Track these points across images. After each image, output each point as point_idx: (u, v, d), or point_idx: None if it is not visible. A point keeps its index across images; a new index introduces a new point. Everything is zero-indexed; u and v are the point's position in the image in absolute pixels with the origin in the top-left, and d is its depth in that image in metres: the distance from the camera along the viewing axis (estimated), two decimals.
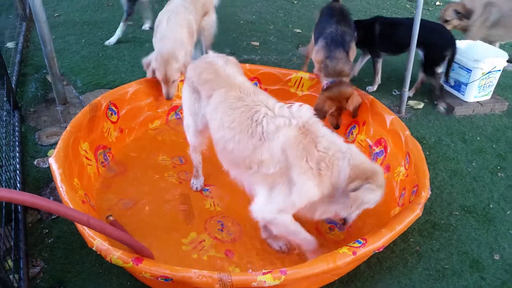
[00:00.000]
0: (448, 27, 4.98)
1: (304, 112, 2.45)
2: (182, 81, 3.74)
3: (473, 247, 2.99)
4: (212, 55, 2.98)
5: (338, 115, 3.79)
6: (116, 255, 2.17)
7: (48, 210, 1.65)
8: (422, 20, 4.07)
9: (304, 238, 2.59)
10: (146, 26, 6.05)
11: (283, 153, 2.34)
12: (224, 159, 2.72)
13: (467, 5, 5.08)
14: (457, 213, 3.26)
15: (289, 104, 2.51)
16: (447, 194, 3.45)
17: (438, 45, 4.30)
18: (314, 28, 4.38)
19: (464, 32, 5.27)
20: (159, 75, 3.72)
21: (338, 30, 3.90)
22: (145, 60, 3.78)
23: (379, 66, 4.85)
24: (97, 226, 1.87)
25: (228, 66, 2.82)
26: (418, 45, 4.27)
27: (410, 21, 4.13)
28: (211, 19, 4.79)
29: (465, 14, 5.03)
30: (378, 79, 4.93)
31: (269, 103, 2.51)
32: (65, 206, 1.83)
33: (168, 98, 3.81)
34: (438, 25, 4.66)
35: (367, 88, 4.85)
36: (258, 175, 2.44)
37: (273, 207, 2.42)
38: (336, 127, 3.82)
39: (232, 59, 2.95)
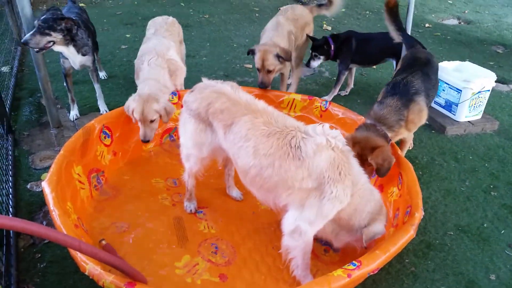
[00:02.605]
0: (271, 76, 4.28)
1: (339, 138, 2.51)
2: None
3: (469, 267, 2.98)
4: (210, 82, 2.89)
5: (361, 163, 2.93)
6: (109, 279, 2.14)
7: (38, 235, 1.64)
8: (388, 33, 4.24)
9: (307, 263, 2.68)
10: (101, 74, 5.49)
11: (323, 171, 2.41)
12: (255, 185, 2.64)
13: (282, 45, 4.28)
14: (452, 233, 3.26)
15: (320, 123, 2.57)
16: (441, 214, 3.45)
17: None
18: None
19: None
20: (136, 114, 3.50)
21: (405, 80, 3.41)
22: (125, 105, 3.63)
23: (343, 78, 5.09)
24: (88, 251, 1.85)
25: (239, 92, 2.76)
26: (391, 56, 4.84)
27: (382, 35, 4.69)
28: (183, 47, 4.89)
29: (285, 57, 4.24)
30: (337, 90, 5.15)
31: (300, 127, 2.56)
32: (55, 230, 1.81)
33: (144, 141, 3.57)
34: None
35: (322, 97, 4.77)
36: (297, 193, 2.48)
37: (304, 217, 2.49)
38: None
39: (235, 84, 2.86)
